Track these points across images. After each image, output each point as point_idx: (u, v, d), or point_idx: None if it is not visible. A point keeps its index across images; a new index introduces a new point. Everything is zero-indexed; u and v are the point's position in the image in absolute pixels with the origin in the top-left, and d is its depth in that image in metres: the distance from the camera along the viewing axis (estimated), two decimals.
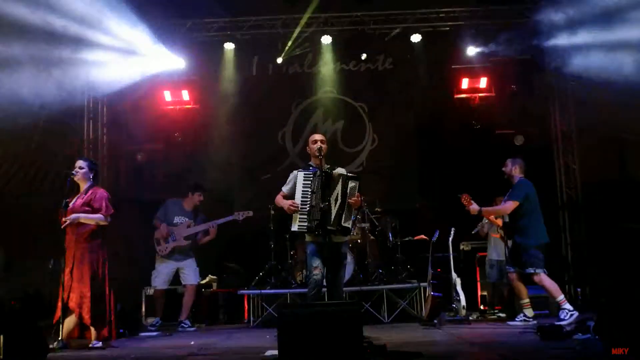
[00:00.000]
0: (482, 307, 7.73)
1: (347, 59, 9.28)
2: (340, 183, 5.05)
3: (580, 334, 4.66)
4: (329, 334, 4.04)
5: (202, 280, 8.07)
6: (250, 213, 7.23)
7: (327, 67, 9.16)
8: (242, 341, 5.90)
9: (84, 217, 5.36)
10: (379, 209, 8.00)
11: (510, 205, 6.23)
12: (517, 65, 8.94)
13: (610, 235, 9.31)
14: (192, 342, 5.75)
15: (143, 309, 7.57)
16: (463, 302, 6.64)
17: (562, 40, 7.72)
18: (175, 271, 7.24)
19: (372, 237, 7.79)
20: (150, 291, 7.46)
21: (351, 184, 5.07)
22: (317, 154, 5.14)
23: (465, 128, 9.17)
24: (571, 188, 9.00)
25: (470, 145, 9.06)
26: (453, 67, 9.02)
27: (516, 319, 6.31)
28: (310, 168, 5.22)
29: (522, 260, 6.17)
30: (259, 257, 7.99)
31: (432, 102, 9.06)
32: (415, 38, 8.64)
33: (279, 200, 5.29)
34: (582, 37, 7.38)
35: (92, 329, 5.33)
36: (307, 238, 5.18)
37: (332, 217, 4.99)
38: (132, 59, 8.06)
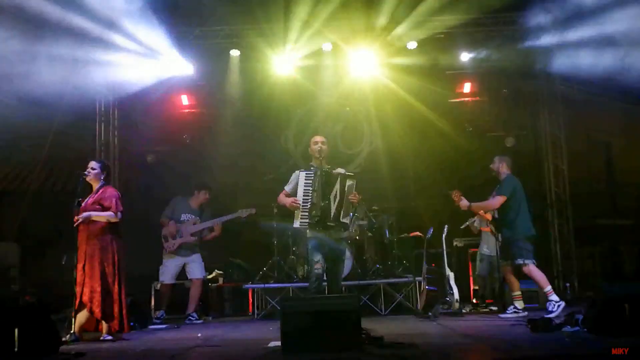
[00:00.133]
0: (474, 301, 7.69)
1: (346, 65, 9.24)
2: (338, 181, 5.09)
3: (569, 326, 4.63)
4: (329, 326, 4.04)
5: (208, 275, 8.03)
6: (254, 210, 7.21)
7: (327, 72, 9.13)
8: (247, 333, 5.87)
9: (95, 215, 5.33)
10: (376, 208, 7.99)
11: (498, 200, 6.23)
12: (508, 70, 8.91)
13: (593, 231, 9.31)
14: (200, 334, 5.72)
15: (152, 303, 7.53)
16: (456, 295, 6.63)
17: (550, 45, 7.67)
18: (182, 266, 7.20)
19: (369, 234, 7.77)
20: (159, 286, 7.42)
21: (349, 182, 5.13)
22: (318, 155, 5.23)
23: (458, 130, 9.14)
24: (559, 187, 8.98)
25: (463, 147, 9.05)
26: (447, 72, 8.98)
27: (507, 311, 6.29)
28: (312, 168, 5.28)
29: (512, 252, 6.17)
30: (263, 253, 7.95)
31: (427, 106, 9.04)
32: (411, 45, 8.60)
33: (282, 198, 5.32)
34: (571, 42, 7.32)
35: (103, 322, 5.30)
36: (309, 234, 5.22)
37: (332, 213, 5.05)
38: (144, 64, 8.00)
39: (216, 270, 8.24)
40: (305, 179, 5.17)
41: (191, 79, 8.73)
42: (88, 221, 5.32)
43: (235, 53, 8.79)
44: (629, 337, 4.03)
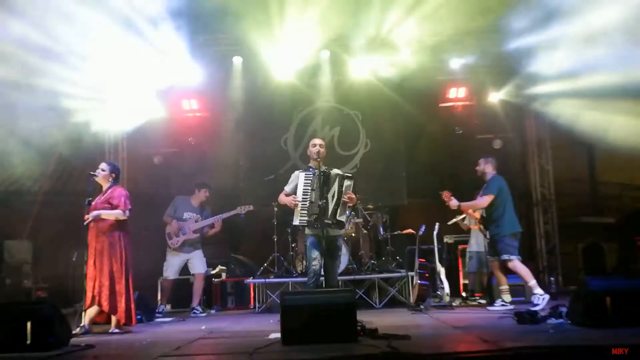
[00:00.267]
0: (463, 294, 7.68)
1: (343, 72, 9.25)
2: (336, 182, 5.11)
3: (553, 318, 4.64)
4: (326, 318, 4.05)
5: (212, 270, 8.03)
6: (252, 207, 7.22)
7: (325, 78, 9.14)
8: (249, 325, 5.85)
9: (104, 214, 5.32)
10: (371, 206, 7.98)
11: (486, 199, 6.23)
12: (496, 76, 8.92)
13: (576, 228, 9.32)
14: (203, 327, 5.69)
15: (159, 297, 7.50)
16: (447, 289, 6.63)
17: (535, 50, 7.65)
18: (185, 262, 7.19)
19: (365, 231, 7.76)
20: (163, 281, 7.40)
21: (346, 183, 5.15)
22: (316, 157, 5.24)
23: (448, 133, 9.16)
24: (544, 187, 8.99)
25: (453, 148, 9.06)
26: (438, 78, 8.98)
27: (495, 304, 6.30)
28: (310, 169, 5.28)
29: (498, 248, 6.17)
30: (264, 249, 7.93)
31: (419, 110, 9.04)
32: (404, 52, 8.58)
33: (282, 197, 5.34)
34: (556, 48, 7.30)
35: (113, 316, 5.28)
36: (307, 232, 5.26)
37: (329, 212, 5.06)
38: (154, 69, 7.98)
39: (219, 266, 8.24)
40: (304, 179, 5.20)
41: (197, 84, 8.71)
42: (97, 219, 5.31)
43: (237, 60, 8.79)
44: (610, 329, 4.04)
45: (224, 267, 8.28)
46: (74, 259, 5.96)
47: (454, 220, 7.46)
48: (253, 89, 9.07)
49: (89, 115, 7.65)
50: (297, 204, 5.12)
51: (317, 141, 5.33)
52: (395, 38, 8.37)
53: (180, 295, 7.52)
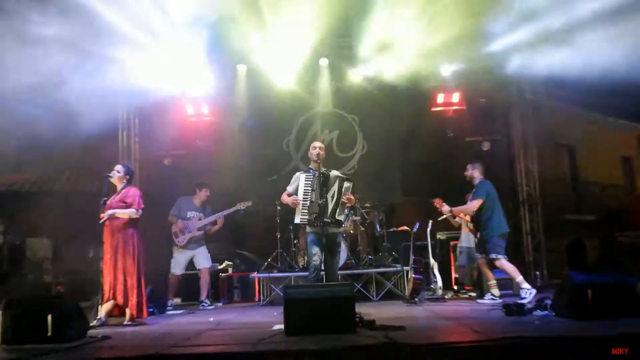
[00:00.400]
0: (455, 288, 7.69)
1: (341, 79, 9.26)
2: (336, 183, 5.12)
3: (539, 310, 4.65)
4: (326, 310, 4.05)
5: (219, 265, 8.04)
6: (250, 203, 7.21)
7: (324, 85, 9.15)
8: (254, 317, 5.86)
9: (119, 212, 5.33)
10: (368, 205, 7.98)
11: (476, 204, 6.25)
12: (485, 82, 8.92)
13: (560, 226, 9.34)
14: (212, 319, 5.71)
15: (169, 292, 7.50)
16: (439, 283, 6.65)
17: (520, 57, 7.65)
18: (190, 258, 7.19)
19: (362, 228, 7.75)
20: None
21: (346, 184, 5.14)
22: (316, 159, 5.22)
23: (440, 136, 9.14)
24: (530, 186, 8.99)
25: (444, 150, 9.06)
26: (430, 84, 8.97)
27: (485, 298, 6.31)
28: (310, 170, 5.27)
29: (487, 247, 6.19)
30: (268, 246, 7.93)
31: (412, 114, 9.04)
32: (398, 59, 8.59)
33: (284, 197, 5.33)
34: (539, 53, 7.31)
35: (126, 309, 5.29)
36: (308, 229, 5.23)
37: (329, 211, 5.05)
38: (167, 76, 7.97)
39: (226, 262, 8.25)
40: (305, 180, 5.19)
41: (204, 90, 8.72)
42: (112, 218, 5.32)
43: (242, 68, 8.80)
44: (591, 319, 4.06)
45: (230, 263, 8.29)
46: (90, 256, 5.96)
47: (444, 215, 7.48)
48: (257, 96, 9.07)
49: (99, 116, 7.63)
50: (299, 204, 5.11)
51: (317, 144, 5.32)
52: (389, 47, 8.39)
53: (189, 289, 7.51)
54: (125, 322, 5.28)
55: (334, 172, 5.26)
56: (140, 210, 5.40)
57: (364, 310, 5.21)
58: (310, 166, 5.34)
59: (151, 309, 6.00)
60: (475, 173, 6.46)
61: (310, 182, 5.15)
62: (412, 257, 6.70)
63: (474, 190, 6.40)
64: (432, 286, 6.67)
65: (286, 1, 7.36)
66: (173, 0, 7.11)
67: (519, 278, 6.01)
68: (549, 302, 4.64)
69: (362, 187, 7.89)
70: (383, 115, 9.28)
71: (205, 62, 8.31)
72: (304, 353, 3.31)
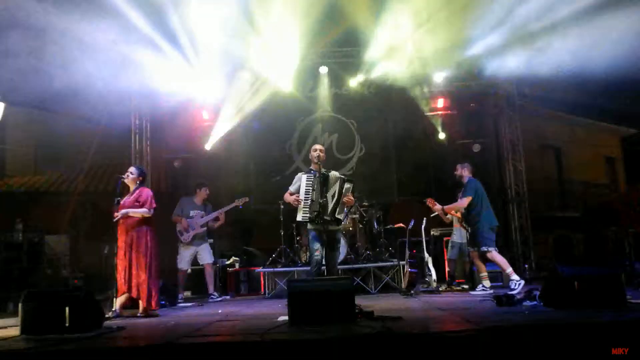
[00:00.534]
0: (448, 280, 7.68)
1: (340, 85, 9.27)
2: (337, 183, 5.12)
3: (528, 301, 4.63)
4: (328, 303, 4.03)
5: (227, 261, 8.03)
6: (247, 199, 7.23)
7: (323, 91, 9.15)
8: (260, 309, 5.84)
9: (132, 211, 5.32)
10: (366, 203, 7.97)
11: (465, 201, 6.27)
12: (475, 87, 8.93)
13: (547, 221, 9.33)
14: (220, 311, 5.70)
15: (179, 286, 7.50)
16: (434, 276, 6.63)
17: (509, 65, 7.64)
18: (195, 254, 7.18)
19: (361, 226, 7.76)
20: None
21: (347, 185, 5.14)
22: (317, 161, 5.23)
23: (433, 139, 9.15)
24: (518, 185, 8.99)
25: (437, 152, 9.07)
26: (424, 90, 8.98)
27: (476, 289, 6.30)
28: (311, 171, 5.27)
29: (477, 241, 6.20)
30: (272, 242, 7.93)
31: (407, 118, 9.06)
32: (393, 67, 8.59)
33: (287, 197, 5.32)
34: (525, 58, 7.30)
35: (140, 301, 5.29)
36: (309, 226, 5.23)
37: (329, 209, 5.04)
38: (178, 82, 7.95)
39: (233, 257, 8.24)
40: (306, 180, 5.18)
41: (212, 96, 8.71)
42: (126, 216, 5.31)
43: (247, 75, 8.79)
44: (577, 310, 4.05)
45: (237, 258, 8.29)
46: (105, 252, 5.96)
47: (436, 212, 7.47)
48: (261, 101, 9.07)
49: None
50: (300, 202, 5.11)
51: (318, 147, 5.32)
52: (385, 55, 8.40)
53: (199, 283, 7.51)
54: (138, 314, 5.28)
55: (334, 173, 5.26)
56: (152, 210, 5.40)
57: (363, 302, 5.20)
58: (311, 167, 5.34)
59: (163, 302, 5.99)
60: (464, 172, 6.49)
61: (311, 182, 5.15)
62: (407, 252, 6.70)
63: (463, 188, 6.42)
64: (427, 279, 6.65)
65: (289, 15, 7.35)
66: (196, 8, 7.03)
67: (509, 269, 6.01)
68: (537, 293, 4.64)
69: (360, 187, 7.88)
70: (379, 119, 9.30)
71: (214, 69, 8.32)
72: (307, 342, 3.31)
